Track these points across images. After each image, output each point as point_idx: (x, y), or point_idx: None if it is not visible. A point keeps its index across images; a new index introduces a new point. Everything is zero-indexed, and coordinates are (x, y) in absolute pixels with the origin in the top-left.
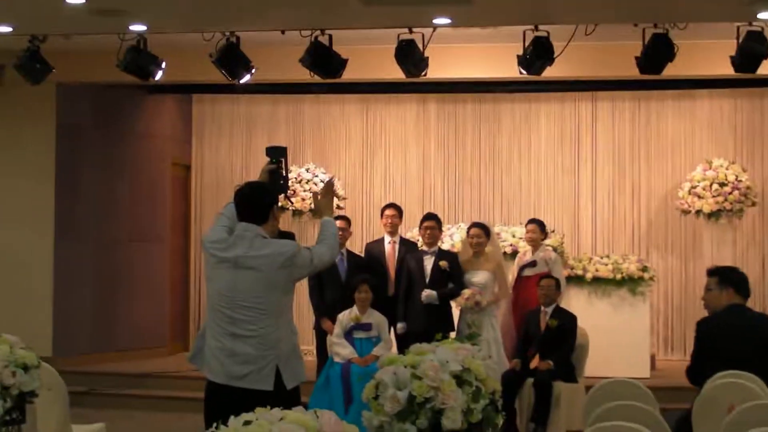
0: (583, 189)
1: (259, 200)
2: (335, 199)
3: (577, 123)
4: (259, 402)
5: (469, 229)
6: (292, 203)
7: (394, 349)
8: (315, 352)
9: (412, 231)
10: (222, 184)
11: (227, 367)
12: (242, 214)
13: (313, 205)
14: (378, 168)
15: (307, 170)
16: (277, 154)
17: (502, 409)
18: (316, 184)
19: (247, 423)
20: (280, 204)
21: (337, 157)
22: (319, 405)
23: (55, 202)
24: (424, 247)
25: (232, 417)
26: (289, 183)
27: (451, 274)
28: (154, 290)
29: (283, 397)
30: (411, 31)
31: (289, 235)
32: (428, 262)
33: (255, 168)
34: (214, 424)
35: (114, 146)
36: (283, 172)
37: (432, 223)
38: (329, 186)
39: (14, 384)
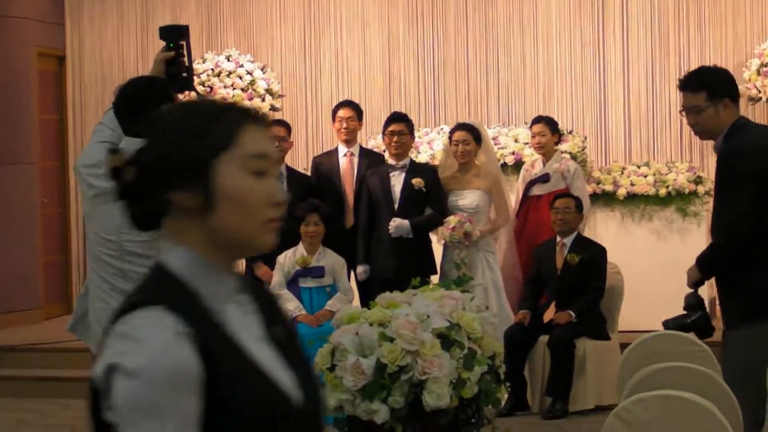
0: (610, 72)
1: (150, 102)
2: (269, 97)
3: None
4: None
5: (451, 132)
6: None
7: (356, 301)
8: None
9: (375, 138)
10: (109, 80)
11: None
12: (127, 125)
13: None
14: (326, 53)
15: (228, 59)
16: (175, 36)
17: (506, 379)
18: (240, 78)
19: None
20: None
21: (269, 40)
22: None
23: None
24: (391, 160)
25: None
26: (195, 74)
27: (429, 195)
28: (18, 232)
29: None
30: None
31: None
32: (397, 181)
33: (154, 56)
34: None
35: None
36: (185, 60)
37: (400, 126)
38: None
39: None
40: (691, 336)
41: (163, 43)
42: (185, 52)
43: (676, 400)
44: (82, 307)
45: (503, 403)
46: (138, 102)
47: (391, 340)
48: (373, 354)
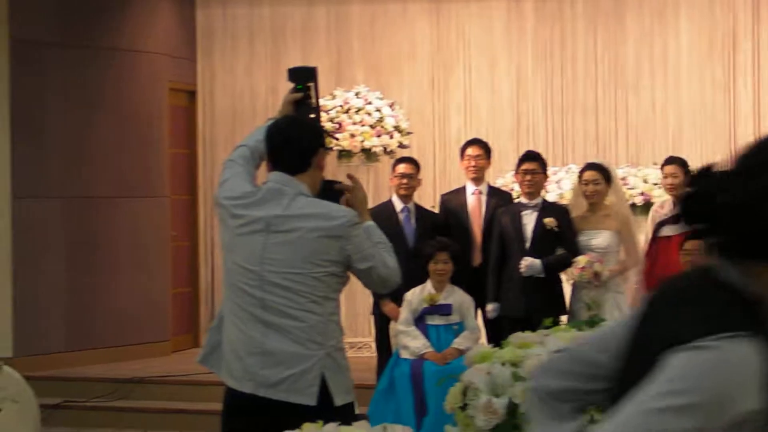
0: (741, 113)
1: (304, 141)
2: (397, 134)
3: (731, 21)
4: (298, 421)
5: (581, 172)
6: (336, 139)
7: (483, 340)
8: (374, 345)
9: (504, 177)
10: (239, 115)
11: (255, 369)
12: (277, 161)
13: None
14: (455, 91)
15: (357, 95)
16: (304, 77)
17: None
18: (369, 114)
19: None
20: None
21: (397, 77)
22: (381, 417)
23: (11, 148)
24: (523, 199)
25: None
26: (324, 111)
27: (561, 234)
28: (149, 264)
29: (330, 416)
30: None
31: (335, 191)
32: (529, 220)
33: (285, 91)
34: None
35: (88, 69)
36: (313, 101)
37: (534, 165)
38: (356, 181)
39: None
40: None
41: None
42: (313, 93)
43: None
44: (214, 339)
45: None
46: (293, 140)
47: (524, 380)
48: (506, 394)
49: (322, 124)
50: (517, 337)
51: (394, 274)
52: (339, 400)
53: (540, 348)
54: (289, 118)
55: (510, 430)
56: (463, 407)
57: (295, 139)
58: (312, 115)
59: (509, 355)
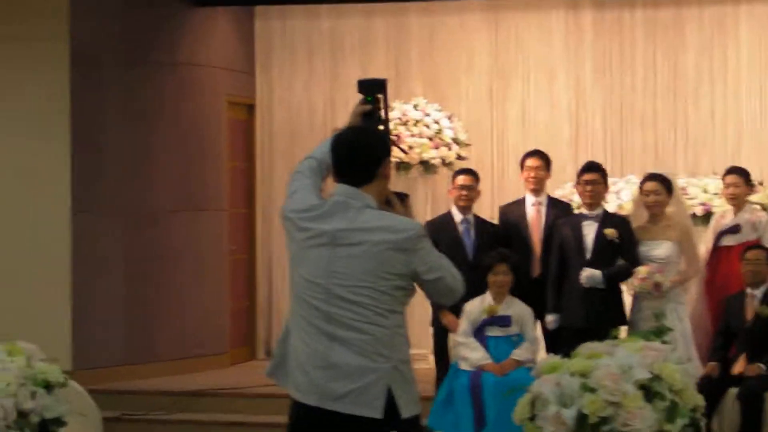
0: None
1: (371, 152)
2: (455, 146)
3: None
4: None
5: (642, 182)
6: (406, 153)
7: (543, 351)
8: (433, 357)
9: (563, 188)
10: (297, 128)
11: (320, 382)
12: (342, 172)
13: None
14: (513, 102)
15: (416, 107)
16: (374, 89)
17: None
18: (427, 126)
19: None
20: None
21: (455, 89)
22: (440, 429)
23: (71, 163)
24: (584, 210)
25: None
26: (391, 126)
27: (621, 245)
28: (207, 277)
29: (397, 428)
30: None
31: (401, 198)
32: (589, 230)
33: (342, 106)
34: None
35: (147, 83)
36: (382, 113)
37: (595, 175)
38: (406, 202)
39: (35, 409)
40: None
41: (356, 95)
42: (383, 105)
43: None
44: (281, 352)
45: None
46: (360, 152)
47: (593, 391)
48: (574, 404)
49: (400, 137)
50: (586, 347)
51: (461, 284)
52: (406, 413)
53: (609, 358)
54: (354, 128)
55: None
56: (532, 418)
57: (360, 149)
58: (381, 127)
59: (578, 365)
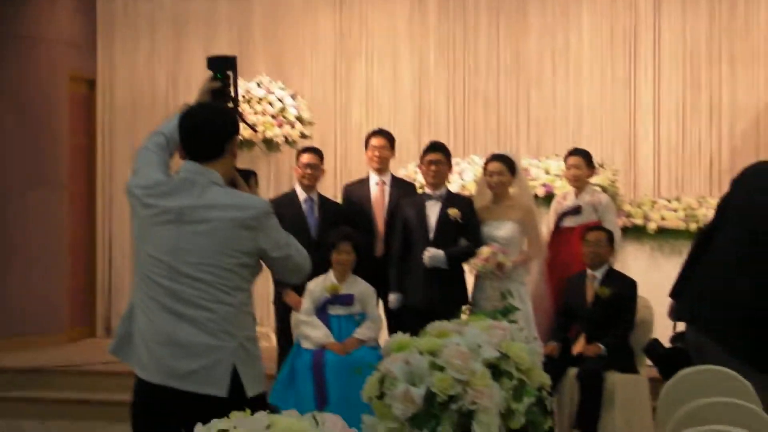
0: (642, 107)
1: (219, 129)
2: (299, 124)
3: (633, 16)
4: (209, 412)
5: (486, 163)
6: (256, 131)
7: (385, 331)
8: (275, 335)
9: (406, 168)
10: (139, 105)
11: (165, 360)
12: (190, 149)
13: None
14: (357, 82)
15: (259, 85)
16: (224, 66)
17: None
18: (271, 104)
19: None
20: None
21: (299, 67)
22: (281, 407)
23: None
24: (427, 189)
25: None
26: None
27: (465, 226)
28: (45, 254)
29: (242, 407)
30: None
31: (249, 174)
32: (432, 210)
33: (185, 83)
34: None
35: None
36: (232, 91)
37: (439, 155)
38: (252, 180)
39: None
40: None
41: (199, 72)
42: (232, 82)
43: None
44: (125, 329)
45: None
46: (207, 129)
47: (442, 369)
48: (424, 383)
49: (244, 113)
50: (435, 326)
51: (308, 262)
52: (251, 391)
53: (458, 337)
54: (201, 105)
55: (428, 420)
56: (380, 396)
57: (208, 125)
58: (230, 105)
59: (427, 344)
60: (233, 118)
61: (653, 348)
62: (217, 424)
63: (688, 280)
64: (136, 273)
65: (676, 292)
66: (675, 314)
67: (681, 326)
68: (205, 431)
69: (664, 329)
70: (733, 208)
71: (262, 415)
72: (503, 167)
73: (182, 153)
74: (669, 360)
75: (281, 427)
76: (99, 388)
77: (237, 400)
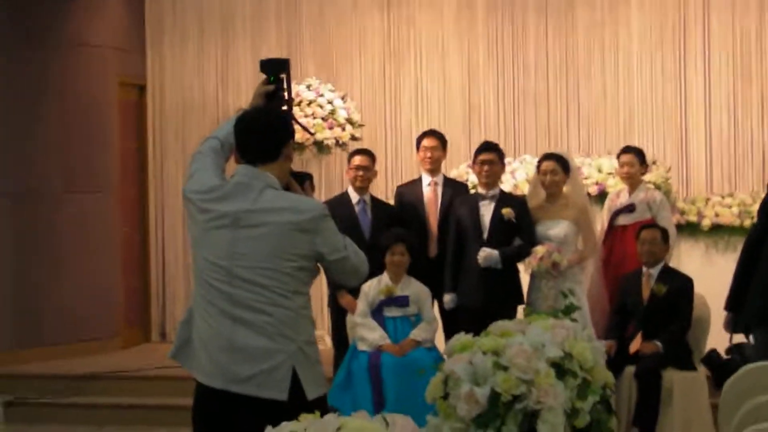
0: (692, 103)
1: (274, 133)
2: (349, 126)
3: (682, 9)
4: (270, 416)
5: (539, 162)
6: (312, 134)
7: (440, 331)
8: (330, 338)
9: (457, 168)
10: (189, 109)
11: (225, 364)
12: (246, 152)
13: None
14: (406, 82)
15: (309, 88)
16: (277, 69)
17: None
18: (321, 107)
19: None
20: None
21: (348, 69)
22: (339, 409)
23: None
24: (480, 189)
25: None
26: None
27: (518, 225)
28: (99, 260)
29: (303, 410)
30: None
31: (304, 178)
32: (486, 210)
33: (235, 86)
34: None
35: (34, 62)
36: (285, 94)
37: (492, 155)
38: (308, 183)
39: None
40: None
41: (249, 75)
42: (286, 85)
43: None
44: (184, 334)
45: None
46: (264, 132)
47: (506, 369)
48: (487, 383)
49: (297, 117)
50: (498, 326)
51: (365, 264)
52: (311, 394)
53: (521, 337)
54: (257, 109)
55: (492, 419)
56: (445, 397)
57: (264, 129)
58: (284, 108)
59: (490, 344)
60: (288, 121)
61: (711, 358)
62: (287, 426)
63: (743, 291)
64: (195, 278)
65: (732, 305)
66: (732, 326)
67: (737, 338)
68: None
69: (719, 326)
70: None
71: (332, 417)
72: (557, 166)
73: (237, 157)
74: (726, 369)
75: (352, 428)
76: (154, 393)
77: (297, 403)
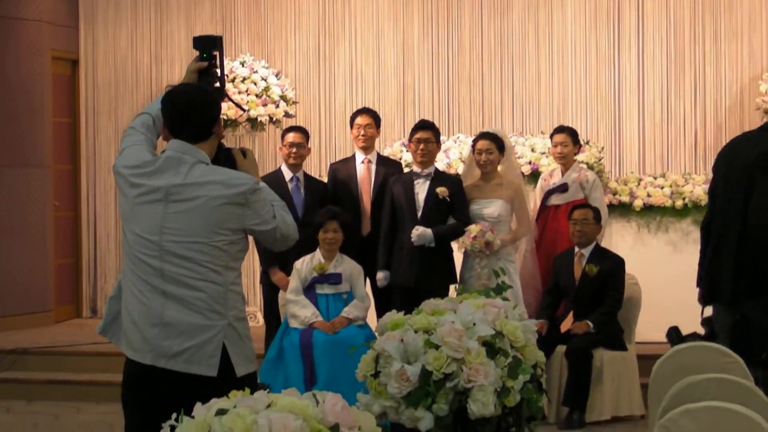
0: (626, 85)
1: (207, 110)
2: (283, 103)
3: None
4: (199, 392)
5: (474, 141)
6: (244, 110)
7: (373, 309)
8: (262, 315)
9: (391, 146)
10: (123, 84)
11: (155, 340)
12: (177, 129)
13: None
14: (341, 60)
15: (243, 64)
16: (209, 46)
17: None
18: (255, 84)
19: (221, 412)
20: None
21: (283, 47)
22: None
23: None
24: (416, 168)
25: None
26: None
27: (453, 204)
28: (31, 234)
29: (232, 386)
30: None
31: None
32: (421, 189)
33: (168, 62)
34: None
35: None
36: (218, 70)
37: (428, 134)
38: (249, 153)
39: None
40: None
41: (183, 52)
42: (218, 62)
43: (723, 411)
44: (113, 309)
45: (542, 411)
46: (195, 109)
47: (437, 347)
48: (419, 361)
49: (230, 93)
50: (429, 304)
51: (294, 230)
52: (241, 370)
53: (452, 315)
54: (190, 86)
55: (423, 397)
56: (376, 375)
57: (194, 106)
58: (217, 85)
59: (422, 322)
60: (218, 99)
61: (672, 335)
62: (217, 403)
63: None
64: (125, 253)
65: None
66: (704, 299)
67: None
68: (204, 411)
69: (650, 306)
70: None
71: (262, 394)
72: (492, 145)
73: (165, 133)
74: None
75: (282, 406)
76: (85, 369)
77: (227, 379)
